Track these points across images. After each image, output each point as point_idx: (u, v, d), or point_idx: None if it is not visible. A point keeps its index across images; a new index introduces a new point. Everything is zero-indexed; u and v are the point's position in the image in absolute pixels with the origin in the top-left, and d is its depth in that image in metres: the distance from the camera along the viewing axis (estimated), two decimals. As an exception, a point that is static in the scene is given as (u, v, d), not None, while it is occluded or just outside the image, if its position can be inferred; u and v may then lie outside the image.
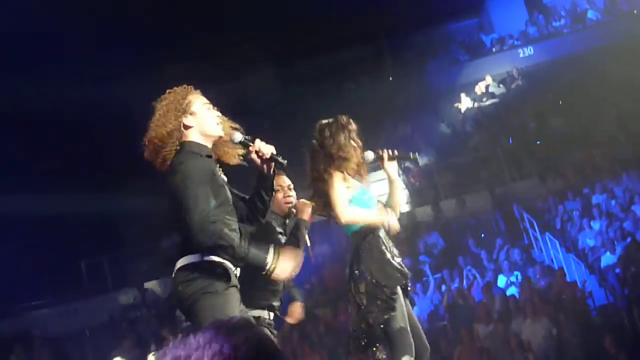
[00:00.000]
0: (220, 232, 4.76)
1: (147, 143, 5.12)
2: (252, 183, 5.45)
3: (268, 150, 5.25)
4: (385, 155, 6.58)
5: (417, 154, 6.78)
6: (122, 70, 19.94)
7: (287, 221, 6.71)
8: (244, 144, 5.28)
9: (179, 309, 5.18)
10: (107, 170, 21.10)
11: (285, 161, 5.31)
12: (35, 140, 19.93)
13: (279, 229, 6.55)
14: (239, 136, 5.29)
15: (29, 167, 19.71)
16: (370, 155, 6.56)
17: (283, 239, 6.45)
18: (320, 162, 6.33)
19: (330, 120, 6.46)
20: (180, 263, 4.95)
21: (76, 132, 19.82)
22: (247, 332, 1.40)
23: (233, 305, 4.92)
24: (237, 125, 5.33)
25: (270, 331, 6.06)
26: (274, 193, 5.44)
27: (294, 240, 6.35)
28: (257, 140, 5.26)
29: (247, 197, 5.40)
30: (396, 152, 6.63)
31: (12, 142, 19.43)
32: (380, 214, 6.37)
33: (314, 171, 6.38)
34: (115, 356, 15.85)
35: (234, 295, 4.98)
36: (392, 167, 6.60)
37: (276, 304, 6.39)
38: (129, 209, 19.51)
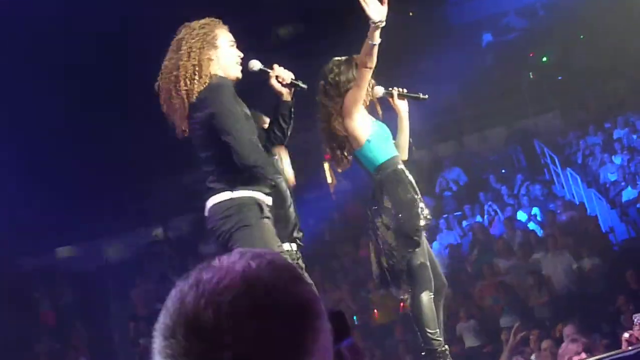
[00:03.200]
0: (266, 158, 4.99)
1: (170, 75, 5.07)
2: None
3: (287, 75, 5.27)
4: (395, 93, 6.52)
5: (427, 95, 6.67)
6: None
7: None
8: (263, 72, 5.28)
9: (215, 244, 5.21)
10: (129, 105, 21.00)
11: (306, 85, 5.31)
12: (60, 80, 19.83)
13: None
14: (257, 64, 5.29)
15: (50, 107, 19.67)
16: (379, 90, 6.51)
17: None
18: (333, 100, 6.29)
19: (342, 58, 6.41)
20: (213, 201, 5.01)
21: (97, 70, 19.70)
22: (271, 256, 1.41)
23: (270, 236, 5.00)
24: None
25: (299, 263, 6.06)
26: (292, 122, 5.45)
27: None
28: (276, 66, 5.27)
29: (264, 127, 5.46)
30: (405, 90, 6.56)
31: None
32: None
33: (326, 112, 6.33)
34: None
35: (269, 226, 5.08)
36: (402, 104, 6.53)
37: (299, 235, 6.40)
38: (151, 145, 19.46)
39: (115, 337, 17.31)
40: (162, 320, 1.36)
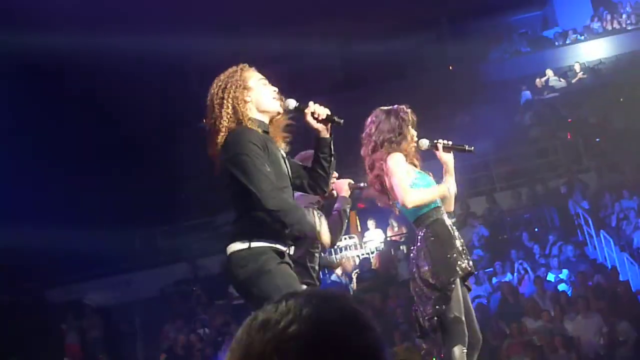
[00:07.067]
0: (287, 204, 4.89)
1: (207, 121, 5.13)
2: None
3: (323, 111, 5.19)
4: (440, 146, 6.51)
5: (472, 147, 6.65)
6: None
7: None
8: (299, 110, 5.24)
9: (237, 291, 5.22)
10: (164, 143, 21.24)
11: (342, 120, 5.23)
12: (97, 113, 20.05)
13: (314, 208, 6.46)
14: (292, 102, 5.26)
15: (85, 139, 19.88)
16: (425, 143, 6.51)
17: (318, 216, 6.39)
18: (375, 149, 6.31)
19: (388, 107, 6.42)
20: (230, 249, 4.98)
21: (134, 104, 19.91)
22: (339, 301, 1.42)
23: (292, 280, 4.95)
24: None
25: None
26: (333, 158, 5.42)
27: (337, 219, 6.40)
28: (311, 103, 5.21)
29: (308, 166, 5.39)
30: (451, 143, 6.54)
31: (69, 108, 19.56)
32: (440, 186, 6.34)
33: (369, 159, 6.36)
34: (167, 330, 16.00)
35: (290, 270, 5.02)
36: (447, 157, 6.52)
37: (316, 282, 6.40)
38: (185, 183, 19.65)
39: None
40: (229, 358, 1.38)
